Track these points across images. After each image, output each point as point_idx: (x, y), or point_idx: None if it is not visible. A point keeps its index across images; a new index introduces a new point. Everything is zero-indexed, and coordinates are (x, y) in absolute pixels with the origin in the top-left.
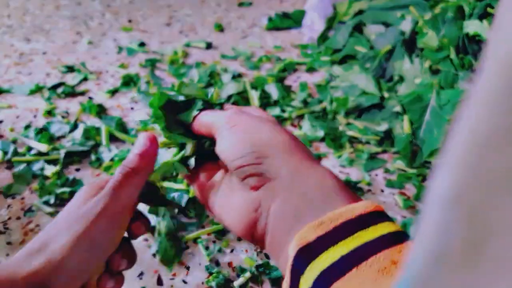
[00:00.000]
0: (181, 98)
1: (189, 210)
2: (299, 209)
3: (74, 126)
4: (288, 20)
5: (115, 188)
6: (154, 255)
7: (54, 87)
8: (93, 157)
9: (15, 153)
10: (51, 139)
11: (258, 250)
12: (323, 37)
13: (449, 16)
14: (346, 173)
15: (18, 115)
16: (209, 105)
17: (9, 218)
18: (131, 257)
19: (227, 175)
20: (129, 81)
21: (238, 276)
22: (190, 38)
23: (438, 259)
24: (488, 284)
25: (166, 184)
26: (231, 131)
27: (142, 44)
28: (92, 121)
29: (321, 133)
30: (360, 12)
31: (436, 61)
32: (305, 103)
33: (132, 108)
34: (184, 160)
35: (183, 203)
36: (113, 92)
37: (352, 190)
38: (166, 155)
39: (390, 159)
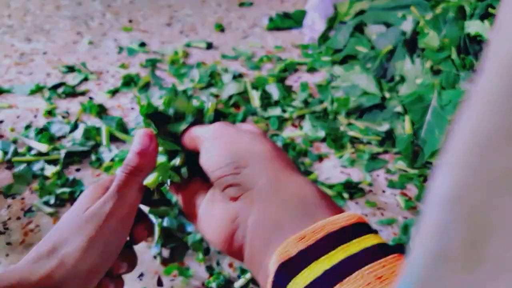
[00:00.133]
0: (171, 111)
1: None
2: (278, 219)
3: (75, 126)
4: (289, 20)
5: (120, 187)
6: (155, 257)
7: (54, 87)
8: (93, 157)
9: (15, 153)
10: (52, 139)
11: None
12: (324, 37)
13: (450, 16)
14: (347, 174)
15: (19, 115)
16: (198, 120)
17: (9, 218)
18: (132, 261)
19: (211, 188)
20: (129, 81)
21: (239, 277)
22: (190, 38)
23: (438, 259)
24: (488, 284)
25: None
26: (214, 142)
27: (142, 44)
28: (93, 121)
29: (322, 134)
30: (361, 12)
31: (437, 61)
32: (306, 103)
33: (132, 108)
34: (176, 169)
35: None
36: (114, 92)
37: (354, 190)
38: (158, 159)
39: (391, 160)
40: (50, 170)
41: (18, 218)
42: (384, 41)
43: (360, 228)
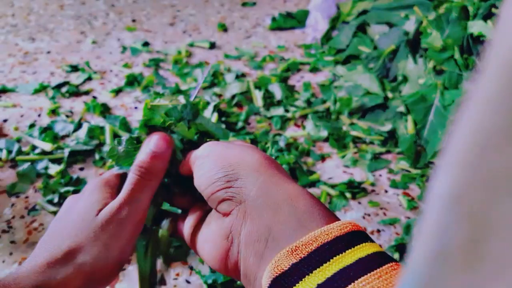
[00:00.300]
0: (176, 136)
1: None
2: (270, 229)
3: (78, 125)
4: (292, 20)
5: (135, 192)
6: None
7: (58, 86)
8: (97, 156)
9: (19, 152)
10: (55, 138)
11: None
12: (326, 37)
13: (453, 16)
14: (349, 173)
15: (23, 114)
16: (190, 144)
17: (13, 217)
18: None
19: (209, 210)
20: (133, 81)
21: None
22: (193, 38)
23: (439, 258)
24: (488, 283)
25: None
26: (204, 160)
27: (146, 44)
28: (96, 120)
29: (324, 133)
30: (364, 12)
31: (440, 62)
32: (308, 103)
33: (136, 108)
34: (166, 187)
35: None
36: (117, 91)
37: (356, 190)
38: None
39: (394, 160)
40: (54, 169)
41: (22, 217)
42: (387, 41)
43: (355, 237)
